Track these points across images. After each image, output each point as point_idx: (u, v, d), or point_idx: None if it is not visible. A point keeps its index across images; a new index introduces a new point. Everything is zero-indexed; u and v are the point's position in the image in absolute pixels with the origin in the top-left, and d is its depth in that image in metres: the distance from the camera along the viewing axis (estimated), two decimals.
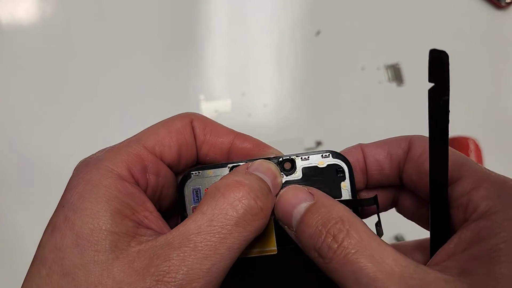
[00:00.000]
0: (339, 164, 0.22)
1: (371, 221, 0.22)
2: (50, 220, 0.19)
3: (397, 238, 0.48)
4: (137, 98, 0.48)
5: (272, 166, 0.21)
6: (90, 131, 0.48)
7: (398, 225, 0.49)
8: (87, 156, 0.22)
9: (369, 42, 0.50)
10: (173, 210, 0.24)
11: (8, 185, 0.47)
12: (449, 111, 0.20)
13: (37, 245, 0.20)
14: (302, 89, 0.49)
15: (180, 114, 0.24)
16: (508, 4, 0.50)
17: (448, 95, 0.19)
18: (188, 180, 0.22)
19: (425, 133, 0.50)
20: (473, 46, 0.51)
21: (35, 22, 0.50)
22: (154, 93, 0.49)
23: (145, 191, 0.21)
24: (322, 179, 0.22)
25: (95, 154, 0.22)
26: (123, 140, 0.22)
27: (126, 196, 0.19)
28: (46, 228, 0.19)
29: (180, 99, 0.49)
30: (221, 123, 0.24)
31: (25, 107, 0.49)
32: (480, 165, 0.20)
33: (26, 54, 0.50)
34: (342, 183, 0.22)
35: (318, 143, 0.49)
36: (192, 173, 0.22)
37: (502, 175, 0.19)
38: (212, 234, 0.17)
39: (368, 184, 0.22)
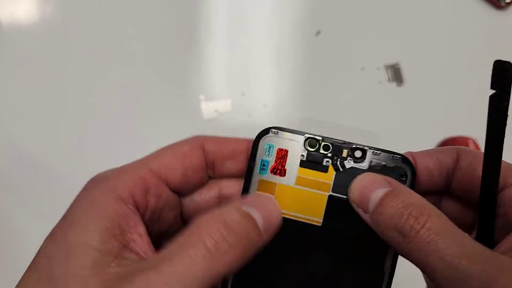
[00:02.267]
0: (404, 168, 0.23)
1: None
2: (52, 230, 0.21)
3: None
4: (137, 98, 0.48)
5: (270, 202, 0.22)
6: (90, 131, 0.48)
7: None
8: (99, 173, 0.23)
9: (369, 42, 0.50)
10: (172, 232, 0.24)
11: (8, 185, 0.47)
12: (507, 116, 0.21)
13: (36, 245, 0.21)
14: (302, 89, 0.49)
15: (189, 138, 0.25)
16: (508, 4, 0.50)
17: (508, 102, 0.21)
18: (265, 136, 0.24)
19: (425, 132, 0.50)
20: (473, 46, 0.51)
21: (36, 22, 0.50)
22: (154, 93, 0.49)
23: (144, 212, 0.22)
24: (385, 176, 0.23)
25: (105, 172, 0.23)
26: (132, 162, 0.23)
27: (119, 217, 0.20)
28: (46, 237, 0.21)
29: (180, 99, 0.49)
30: (233, 137, 0.26)
31: (25, 107, 0.49)
32: None
33: (26, 54, 0.50)
34: None
35: None
36: (271, 130, 0.24)
37: None
38: (180, 263, 0.18)
39: (415, 190, 0.23)
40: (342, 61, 0.50)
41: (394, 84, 0.50)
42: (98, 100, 0.49)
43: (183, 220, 0.25)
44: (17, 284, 0.20)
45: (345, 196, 0.23)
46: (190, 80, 0.49)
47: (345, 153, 0.23)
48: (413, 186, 0.22)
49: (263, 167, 0.24)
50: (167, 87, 0.49)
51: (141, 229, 0.21)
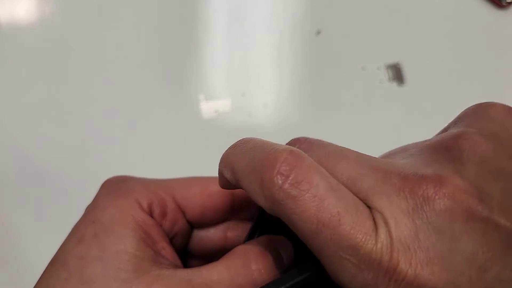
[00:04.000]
0: None
1: None
2: (76, 231, 0.21)
3: None
4: (137, 97, 0.48)
5: (291, 249, 0.22)
6: (89, 130, 0.48)
7: None
8: (114, 176, 0.24)
9: (370, 41, 0.50)
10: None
11: (8, 185, 0.47)
12: None
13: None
14: (302, 89, 0.49)
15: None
16: (509, 3, 0.50)
17: None
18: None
19: (426, 132, 0.50)
20: (474, 45, 0.51)
21: (35, 21, 0.50)
22: (154, 93, 0.49)
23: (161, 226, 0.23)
24: None
25: (123, 178, 0.23)
26: (155, 178, 0.24)
27: (149, 227, 0.21)
28: (70, 236, 0.21)
29: (179, 99, 0.49)
30: None
31: (25, 107, 0.49)
32: None
33: (25, 53, 0.50)
34: None
35: None
36: None
37: None
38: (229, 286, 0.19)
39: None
40: (343, 60, 0.50)
41: (394, 84, 0.49)
42: (98, 99, 0.49)
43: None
44: (38, 282, 0.20)
45: None
46: (189, 80, 0.49)
47: None
48: None
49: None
50: (166, 87, 0.49)
51: (167, 239, 0.22)
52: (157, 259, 0.21)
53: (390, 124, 0.49)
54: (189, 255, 0.27)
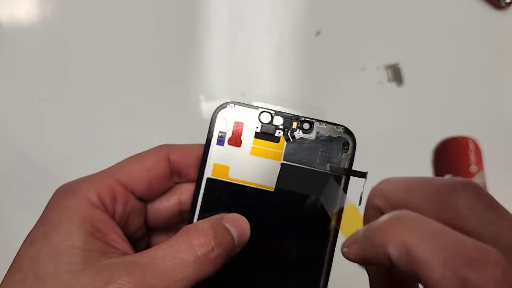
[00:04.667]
0: (346, 138, 0.26)
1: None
2: (28, 235, 0.23)
3: None
4: (137, 98, 0.49)
5: (244, 225, 0.24)
6: (90, 130, 0.48)
7: None
8: (66, 183, 0.25)
9: (369, 42, 0.50)
10: (138, 236, 0.27)
11: (7, 185, 0.47)
12: None
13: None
14: (302, 89, 0.50)
15: (156, 148, 0.27)
16: (508, 4, 0.50)
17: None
18: (223, 109, 0.26)
19: (425, 132, 0.50)
20: (473, 46, 0.51)
21: (36, 22, 0.50)
22: (154, 93, 0.49)
23: (113, 218, 0.24)
24: (331, 145, 0.26)
25: (72, 182, 0.25)
26: (99, 171, 0.25)
27: (97, 222, 0.23)
28: (24, 241, 0.22)
29: (180, 99, 0.49)
30: (198, 143, 0.27)
31: (25, 107, 0.49)
32: None
33: (26, 54, 0.50)
34: (344, 155, 0.26)
35: None
36: (229, 104, 0.26)
37: None
38: (172, 263, 0.21)
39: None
40: (342, 61, 0.50)
41: (394, 84, 0.50)
42: (98, 100, 0.49)
43: (146, 225, 0.27)
44: None
45: (295, 164, 0.25)
46: (190, 80, 0.49)
47: (295, 125, 0.26)
48: (353, 153, 0.26)
49: (221, 138, 0.26)
50: (167, 87, 0.49)
51: (118, 230, 0.24)
52: (107, 250, 0.22)
53: (389, 124, 0.50)
54: (154, 231, 0.28)
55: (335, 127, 0.26)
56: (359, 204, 0.25)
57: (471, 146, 0.49)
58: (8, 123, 0.49)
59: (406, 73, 0.50)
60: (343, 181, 0.26)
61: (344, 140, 0.26)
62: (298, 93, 0.49)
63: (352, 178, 0.26)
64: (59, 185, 0.25)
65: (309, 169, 0.25)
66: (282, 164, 0.25)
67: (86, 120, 0.48)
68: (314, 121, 0.26)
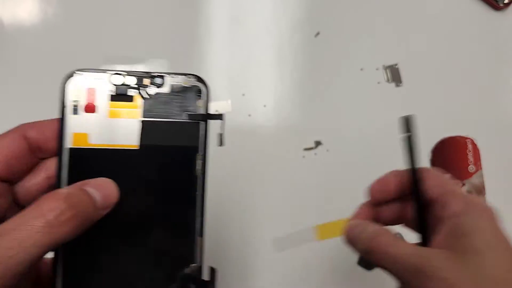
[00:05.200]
0: (199, 86, 0.27)
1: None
2: None
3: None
4: None
5: (110, 185, 0.25)
6: None
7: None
8: None
9: (368, 43, 0.51)
10: (4, 217, 0.26)
11: None
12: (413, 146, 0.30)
13: None
14: (302, 90, 0.50)
15: (11, 129, 0.27)
16: (506, 5, 0.50)
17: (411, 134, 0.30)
18: (71, 78, 0.26)
19: (424, 132, 0.51)
20: (471, 47, 0.51)
21: (37, 23, 0.50)
22: None
23: None
24: (185, 95, 0.26)
25: None
26: None
27: None
28: None
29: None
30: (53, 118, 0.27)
31: (27, 107, 0.49)
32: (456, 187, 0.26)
33: (28, 54, 0.50)
34: (199, 101, 0.27)
35: (318, 143, 0.49)
36: (76, 73, 0.26)
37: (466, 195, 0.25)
38: (21, 231, 0.21)
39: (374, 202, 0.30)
40: (341, 62, 0.50)
41: (392, 85, 0.50)
42: None
43: (19, 207, 0.27)
44: None
45: (154, 119, 0.26)
46: None
47: (147, 82, 0.26)
48: (207, 98, 0.27)
49: (75, 108, 0.26)
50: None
51: None
52: None
53: (388, 124, 0.50)
54: None
55: (187, 77, 0.27)
56: (220, 144, 0.28)
57: (469, 146, 0.50)
58: (9, 124, 0.49)
59: (404, 73, 0.50)
60: (203, 126, 0.27)
61: (197, 88, 0.27)
62: (297, 93, 0.50)
63: (213, 123, 0.27)
64: None
65: (168, 121, 0.26)
66: (142, 121, 0.26)
67: None
68: (165, 74, 0.26)
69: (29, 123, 0.27)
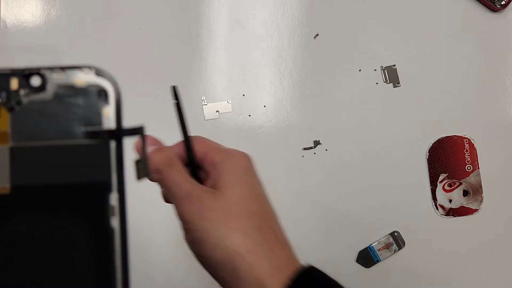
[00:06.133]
0: (102, 85, 0.17)
1: None
2: None
3: (394, 235, 0.49)
4: (140, 100, 0.49)
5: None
6: None
7: (395, 223, 0.50)
8: None
9: (366, 44, 0.51)
10: None
11: None
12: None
13: None
14: (301, 90, 0.50)
15: None
16: (503, 6, 0.51)
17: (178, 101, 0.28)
18: None
19: (422, 131, 0.51)
20: (468, 48, 0.52)
21: (40, 24, 0.51)
22: (157, 95, 0.49)
23: None
24: (80, 102, 0.17)
25: None
26: None
27: None
28: None
29: (183, 100, 0.49)
30: None
31: None
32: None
33: (31, 56, 0.50)
34: (105, 109, 0.17)
35: (317, 143, 0.50)
36: None
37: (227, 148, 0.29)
38: None
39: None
40: (340, 63, 0.51)
41: (390, 85, 0.51)
42: None
43: None
44: None
45: (32, 143, 0.16)
46: (192, 82, 0.50)
47: (15, 84, 0.17)
48: (119, 104, 0.17)
49: None
50: (168, 89, 0.50)
51: None
52: None
53: (386, 124, 0.50)
54: None
55: (81, 71, 0.18)
56: (140, 176, 0.19)
57: (467, 146, 0.50)
58: None
59: (402, 74, 0.51)
60: (113, 147, 0.17)
61: (99, 88, 0.17)
62: (296, 94, 0.50)
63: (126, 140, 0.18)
64: None
65: (56, 145, 0.16)
66: (11, 148, 0.16)
67: None
68: (46, 71, 0.17)
69: None
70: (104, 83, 0.17)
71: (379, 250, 0.49)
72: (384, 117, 0.50)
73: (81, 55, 0.50)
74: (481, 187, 0.50)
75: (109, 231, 0.16)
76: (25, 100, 0.16)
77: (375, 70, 0.50)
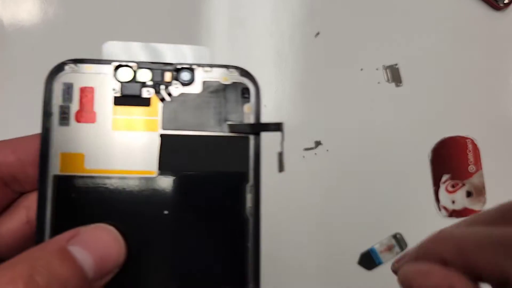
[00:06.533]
0: (245, 83, 0.19)
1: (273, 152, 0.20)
2: None
3: (396, 237, 0.48)
4: None
5: (108, 242, 0.16)
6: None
7: (397, 225, 0.49)
8: None
9: (368, 43, 0.51)
10: None
11: None
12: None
13: None
14: (302, 90, 0.50)
15: None
16: (506, 5, 0.50)
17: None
18: (60, 73, 0.19)
19: (424, 132, 0.50)
20: (471, 47, 0.51)
21: (38, 23, 0.50)
22: None
23: None
24: (224, 97, 0.19)
25: None
26: None
27: None
28: None
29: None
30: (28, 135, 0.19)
31: (26, 107, 0.49)
32: None
33: (28, 55, 0.50)
34: (246, 106, 0.19)
35: (318, 143, 0.49)
36: (67, 64, 0.18)
37: None
38: None
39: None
40: (341, 62, 0.50)
41: (392, 85, 0.50)
42: None
43: None
44: None
45: (179, 132, 0.18)
46: None
47: (168, 77, 0.19)
48: (259, 100, 0.19)
49: (64, 115, 0.19)
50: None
51: None
52: None
53: (388, 124, 0.50)
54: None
55: (227, 70, 0.20)
56: (280, 170, 0.20)
57: (470, 146, 0.50)
58: (9, 123, 0.49)
59: (404, 73, 0.50)
60: (252, 141, 0.19)
61: (243, 86, 0.19)
62: (298, 93, 0.50)
63: (264, 135, 0.19)
64: None
65: (201, 135, 0.18)
66: (161, 136, 0.18)
67: None
68: (195, 67, 0.19)
69: None
70: (246, 81, 0.19)
71: (381, 252, 0.48)
72: (386, 117, 0.50)
73: (79, 55, 0.50)
74: (484, 188, 0.50)
75: (243, 219, 0.18)
76: (175, 91, 0.18)
77: (377, 69, 0.50)
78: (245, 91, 0.19)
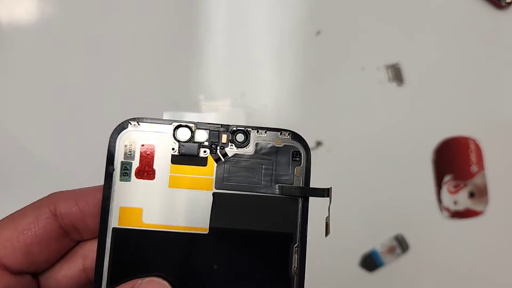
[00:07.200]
0: (296, 147, 0.21)
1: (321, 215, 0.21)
2: None
3: (397, 238, 0.48)
4: (138, 98, 0.49)
5: None
6: (90, 131, 0.48)
7: (398, 226, 0.49)
8: None
9: (369, 42, 0.50)
10: None
11: (8, 184, 0.47)
12: None
13: None
14: (302, 89, 0.50)
15: (37, 201, 0.21)
16: (508, 4, 0.50)
17: None
18: (123, 131, 0.21)
19: (426, 132, 0.50)
20: (473, 46, 0.51)
21: (35, 22, 0.50)
22: (155, 93, 0.49)
23: None
24: (276, 159, 0.20)
25: None
26: None
27: None
28: None
29: (180, 99, 0.49)
30: (91, 186, 0.21)
31: (25, 107, 0.49)
32: None
33: (26, 54, 0.50)
34: (296, 169, 0.20)
35: (318, 143, 0.49)
36: (130, 123, 0.20)
37: None
38: None
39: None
40: (342, 61, 0.50)
41: (394, 84, 0.50)
42: (99, 99, 0.49)
43: None
44: None
45: (231, 191, 0.19)
46: (190, 80, 0.49)
47: (224, 138, 0.20)
48: (309, 164, 0.20)
49: (125, 171, 0.20)
50: (167, 87, 0.49)
51: None
52: None
53: (390, 124, 0.50)
54: None
55: (279, 133, 0.20)
56: (326, 234, 0.21)
57: (472, 146, 0.49)
58: (7, 123, 0.49)
59: (406, 73, 0.50)
60: (300, 204, 0.20)
61: (294, 150, 0.20)
62: (298, 93, 0.49)
63: (312, 199, 0.21)
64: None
65: (252, 195, 0.19)
66: (214, 194, 0.19)
67: (86, 119, 0.48)
68: (250, 129, 0.20)
69: (61, 192, 0.20)
70: (297, 145, 0.21)
71: (382, 253, 0.48)
72: (387, 116, 0.50)
73: (76, 53, 0.50)
74: (487, 188, 0.49)
75: (290, 278, 0.19)
76: (230, 152, 0.20)
77: (378, 68, 0.50)
78: (296, 154, 0.20)
